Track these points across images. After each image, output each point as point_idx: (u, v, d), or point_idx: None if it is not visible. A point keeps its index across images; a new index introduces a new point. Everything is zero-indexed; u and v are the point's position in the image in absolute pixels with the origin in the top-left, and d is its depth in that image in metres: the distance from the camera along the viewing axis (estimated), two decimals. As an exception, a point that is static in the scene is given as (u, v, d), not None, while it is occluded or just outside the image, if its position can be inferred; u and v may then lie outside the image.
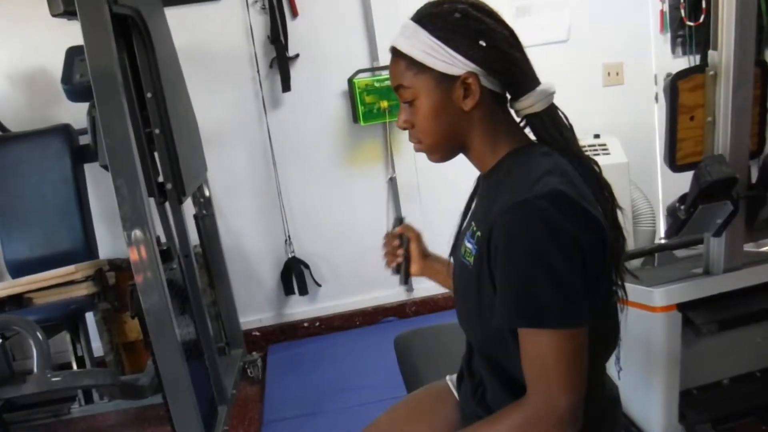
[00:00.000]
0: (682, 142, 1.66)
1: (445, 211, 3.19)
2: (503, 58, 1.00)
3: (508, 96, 1.05)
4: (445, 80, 1.00)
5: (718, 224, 1.69)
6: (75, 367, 2.61)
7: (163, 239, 2.25)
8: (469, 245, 1.04)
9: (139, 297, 1.87)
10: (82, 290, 2.38)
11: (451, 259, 1.20)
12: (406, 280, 1.43)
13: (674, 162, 1.69)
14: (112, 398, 2.57)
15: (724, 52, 1.57)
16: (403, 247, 1.41)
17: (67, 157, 2.62)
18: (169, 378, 1.95)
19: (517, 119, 1.08)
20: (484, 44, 0.98)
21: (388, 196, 3.18)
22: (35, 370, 1.79)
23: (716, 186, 1.58)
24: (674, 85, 1.60)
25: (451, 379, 1.34)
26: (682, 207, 1.66)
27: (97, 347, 2.79)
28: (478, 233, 1.01)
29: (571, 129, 1.06)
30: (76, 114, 2.62)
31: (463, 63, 0.98)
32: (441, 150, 1.07)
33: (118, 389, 2.06)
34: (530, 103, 1.02)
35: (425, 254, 1.42)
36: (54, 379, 1.77)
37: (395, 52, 1.05)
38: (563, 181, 0.94)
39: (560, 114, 1.05)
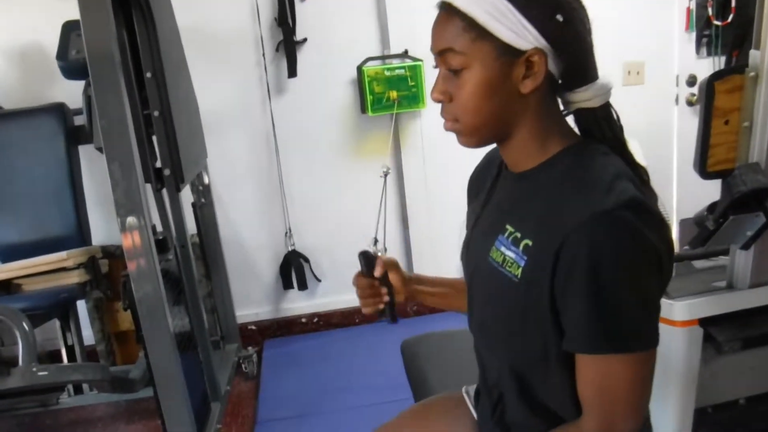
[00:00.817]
0: (714, 148, 1.56)
1: (453, 209, 3.15)
2: (577, 40, 0.87)
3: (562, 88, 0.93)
4: (507, 53, 0.86)
5: (748, 237, 1.59)
6: (65, 356, 2.52)
7: (159, 228, 2.16)
8: (510, 254, 0.91)
9: (132, 287, 1.79)
10: (74, 278, 2.28)
11: (462, 263, 1.10)
12: (395, 319, 1.19)
13: (705, 168, 1.59)
14: (102, 392, 2.48)
15: (767, 53, 1.46)
16: (383, 286, 1.17)
17: (61, 138, 2.51)
18: (160, 372, 1.87)
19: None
20: (561, 19, 0.84)
21: (395, 191, 3.08)
22: (20, 362, 1.69)
23: (750, 196, 1.48)
24: (710, 86, 1.50)
25: (467, 392, 1.24)
26: (711, 216, 1.56)
27: (88, 335, 2.69)
28: (527, 242, 0.89)
29: (622, 130, 0.94)
30: (72, 93, 2.52)
31: (534, 37, 0.85)
32: (480, 134, 0.93)
33: (107, 383, 1.97)
34: (588, 97, 0.90)
35: (406, 279, 1.20)
36: (40, 373, 1.68)
37: (449, 8, 0.87)
38: (635, 186, 0.84)
39: (614, 113, 0.94)
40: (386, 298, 1.17)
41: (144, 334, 1.82)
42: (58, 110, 2.57)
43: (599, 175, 0.85)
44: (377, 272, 1.15)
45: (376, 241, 1.26)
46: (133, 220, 1.76)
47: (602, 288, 0.80)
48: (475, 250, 1.05)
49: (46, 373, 1.70)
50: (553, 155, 0.92)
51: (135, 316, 1.80)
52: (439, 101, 0.94)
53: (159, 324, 1.83)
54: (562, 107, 0.95)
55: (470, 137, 0.94)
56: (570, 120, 0.97)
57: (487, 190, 1.07)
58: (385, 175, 1.56)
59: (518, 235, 0.91)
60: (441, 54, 0.90)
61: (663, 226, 0.84)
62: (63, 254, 2.25)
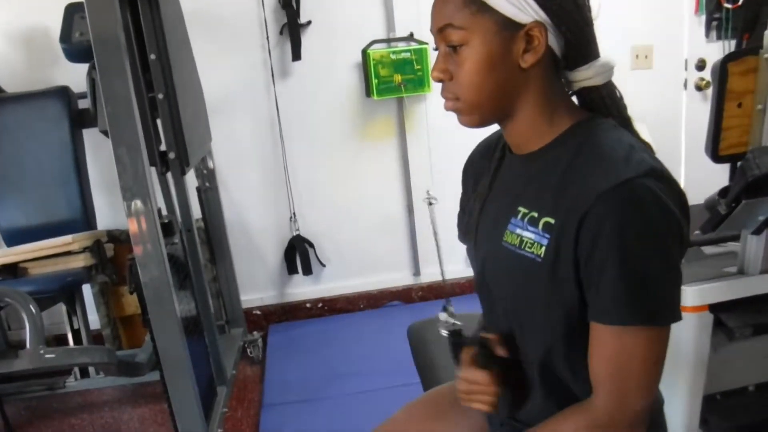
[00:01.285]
0: (727, 131, 1.54)
1: (458, 192, 3.12)
2: (577, 16, 0.87)
3: (565, 67, 0.92)
4: (507, 27, 0.85)
5: (760, 222, 1.57)
6: (71, 340, 2.52)
7: (164, 212, 2.15)
8: (529, 235, 0.90)
9: (138, 271, 1.78)
10: (79, 262, 2.27)
11: (474, 251, 1.07)
12: (517, 408, 0.99)
13: (716, 152, 1.57)
14: (108, 375, 2.48)
15: (783, 34, 1.43)
16: (493, 369, 0.94)
17: (66, 122, 2.49)
18: (167, 355, 1.87)
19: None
20: None
21: (400, 176, 3.06)
22: (28, 345, 1.69)
23: (763, 180, 1.46)
24: (724, 68, 1.47)
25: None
26: (723, 201, 1.54)
27: (94, 320, 2.69)
28: (547, 220, 0.87)
29: (626, 108, 0.93)
30: (76, 76, 2.50)
31: (534, 10, 0.84)
32: (482, 111, 0.91)
33: (114, 366, 1.97)
34: (590, 75, 0.90)
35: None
36: (48, 355, 1.68)
37: None
38: (651, 157, 0.84)
39: (617, 91, 0.93)
40: (500, 391, 0.96)
41: (150, 318, 1.82)
42: (62, 93, 2.55)
43: (615, 147, 0.84)
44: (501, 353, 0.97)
45: (447, 304, 1.08)
46: (139, 203, 1.75)
47: (630, 256, 0.80)
48: (485, 237, 1.02)
49: (53, 355, 1.70)
50: (562, 132, 0.91)
51: (141, 299, 1.80)
52: (439, 80, 0.93)
53: (165, 307, 1.83)
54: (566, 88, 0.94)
55: (471, 116, 0.93)
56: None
57: (490, 175, 1.04)
58: (429, 203, 1.42)
59: (535, 214, 0.90)
60: (441, 31, 0.89)
61: (682, 195, 0.84)
62: (69, 238, 2.24)
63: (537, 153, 0.93)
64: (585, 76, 0.90)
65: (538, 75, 0.89)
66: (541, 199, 0.90)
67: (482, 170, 1.07)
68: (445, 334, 1.09)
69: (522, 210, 0.92)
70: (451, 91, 0.92)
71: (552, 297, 0.88)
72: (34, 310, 1.69)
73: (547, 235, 0.87)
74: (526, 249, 0.90)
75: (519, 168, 0.98)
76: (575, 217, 0.82)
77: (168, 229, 1.99)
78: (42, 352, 1.67)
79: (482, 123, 0.94)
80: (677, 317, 0.83)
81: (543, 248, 0.87)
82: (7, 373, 1.63)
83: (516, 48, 0.86)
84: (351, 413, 2.34)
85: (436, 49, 0.93)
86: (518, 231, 0.92)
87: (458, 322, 1.11)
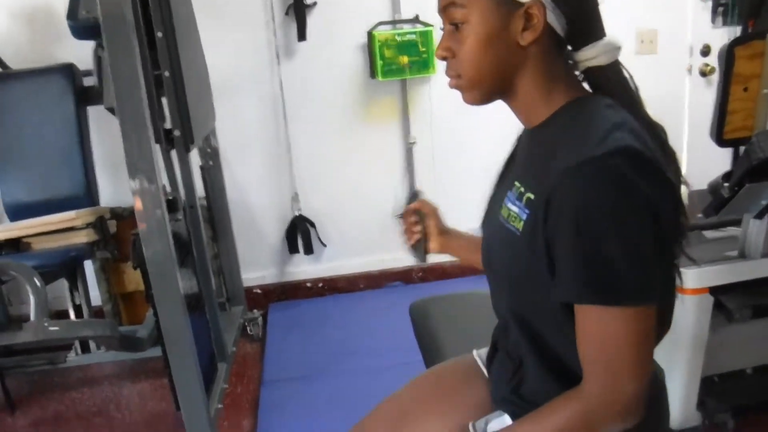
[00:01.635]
0: (732, 115, 1.55)
1: (461, 175, 3.16)
2: None
3: (569, 47, 0.93)
4: (505, 5, 0.87)
5: (763, 206, 1.59)
6: (72, 315, 2.53)
7: (168, 189, 2.16)
8: (514, 209, 0.93)
9: (142, 247, 1.79)
10: (82, 237, 2.28)
11: (482, 229, 1.10)
12: (424, 258, 1.36)
13: (721, 136, 1.58)
14: (110, 349, 2.50)
15: (790, 19, 1.44)
16: (420, 224, 1.33)
17: (70, 98, 2.49)
18: (170, 330, 1.87)
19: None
20: None
21: (403, 157, 3.06)
22: (32, 317, 1.70)
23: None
24: (731, 52, 1.48)
25: (479, 355, 1.24)
26: (726, 184, 1.55)
27: (95, 296, 2.71)
28: (529, 195, 0.90)
29: (636, 89, 0.94)
30: (81, 53, 2.49)
31: None
32: (482, 87, 0.93)
33: (116, 341, 1.98)
34: (594, 54, 0.90)
35: (444, 230, 1.34)
36: (51, 328, 1.69)
37: None
38: (634, 137, 0.83)
39: (625, 71, 0.94)
40: (418, 236, 1.32)
41: (153, 293, 1.83)
42: (67, 70, 2.54)
43: (598, 125, 0.85)
44: (412, 205, 1.33)
45: (417, 194, 1.41)
46: (144, 180, 1.75)
47: (585, 235, 0.80)
48: (491, 209, 1.06)
49: (57, 328, 1.71)
50: (557, 109, 0.93)
51: (144, 275, 1.81)
52: (443, 58, 0.95)
53: (169, 283, 1.83)
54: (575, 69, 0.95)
55: (472, 90, 0.95)
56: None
57: (512, 150, 1.08)
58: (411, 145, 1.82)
59: (522, 189, 0.92)
60: (444, 9, 0.91)
61: (661, 176, 0.83)
62: (72, 213, 2.25)
63: (536, 129, 0.96)
64: (589, 55, 0.91)
65: (538, 53, 0.90)
66: (528, 174, 0.93)
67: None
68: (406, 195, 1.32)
69: (516, 185, 0.95)
70: (454, 69, 0.94)
71: (533, 272, 0.89)
72: (38, 284, 1.70)
73: (527, 210, 0.90)
74: (511, 222, 0.93)
75: (525, 143, 1.02)
76: (545, 193, 0.84)
77: (172, 205, 1.99)
78: (46, 324, 1.69)
79: (483, 100, 0.96)
80: (648, 299, 0.82)
81: (522, 222, 0.90)
82: (11, 345, 1.64)
83: (514, 26, 0.88)
84: (352, 390, 2.36)
85: (442, 29, 0.95)
86: (509, 205, 0.95)
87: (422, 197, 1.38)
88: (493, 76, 0.92)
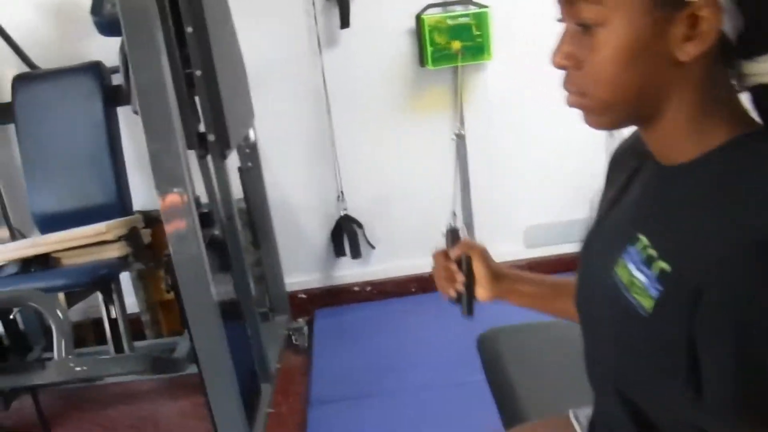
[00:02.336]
0: None
1: (518, 171, 2.91)
2: None
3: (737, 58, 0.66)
4: (664, 4, 0.61)
5: None
6: (107, 328, 2.38)
7: (203, 198, 1.99)
8: (641, 277, 0.68)
9: (175, 270, 1.62)
10: (114, 251, 2.11)
11: (582, 268, 0.86)
12: (470, 310, 1.05)
13: None
14: (145, 374, 2.36)
15: None
16: (463, 271, 1.03)
17: (99, 99, 2.32)
18: (206, 356, 1.72)
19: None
20: None
21: (454, 152, 2.82)
22: (56, 355, 1.54)
23: None
24: None
25: (576, 416, 1.01)
26: None
27: (132, 303, 2.57)
28: (663, 265, 0.65)
29: None
30: (109, 50, 2.32)
31: None
32: (616, 112, 0.69)
33: (150, 368, 1.82)
34: None
35: (498, 273, 1.04)
36: (78, 368, 1.53)
37: None
38: None
39: None
40: (459, 287, 1.04)
41: (188, 318, 1.67)
42: (95, 69, 2.37)
43: (766, 186, 0.60)
44: (452, 254, 1.04)
45: (456, 231, 1.08)
46: (175, 194, 1.57)
47: (756, 346, 0.57)
48: (596, 254, 0.82)
49: (84, 367, 1.55)
50: (712, 149, 0.66)
51: (180, 300, 1.64)
52: (562, 67, 0.70)
53: (204, 309, 1.69)
54: (734, 82, 0.68)
55: (601, 116, 0.70)
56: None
57: (625, 177, 0.82)
58: (458, 137, 1.38)
59: (653, 253, 0.67)
60: (571, 2, 0.66)
61: None
62: (102, 226, 2.08)
63: (678, 169, 0.69)
64: (766, 69, 0.63)
65: (699, 71, 0.64)
66: (664, 235, 0.68)
67: (623, 168, 0.85)
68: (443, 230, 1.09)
69: (642, 239, 0.70)
70: (577, 84, 0.69)
71: (659, 364, 0.66)
72: (61, 315, 1.54)
73: (659, 287, 0.65)
74: (634, 294, 0.68)
75: (655, 181, 0.74)
76: (693, 279, 0.61)
77: (207, 219, 1.82)
78: (72, 364, 1.53)
79: (613, 126, 0.71)
80: None
81: (652, 302, 0.66)
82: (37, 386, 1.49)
83: (673, 34, 0.62)
84: (406, 412, 2.17)
85: (560, 20, 0.70)
86: (631, 267, 0.70)
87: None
88: (633, 99, 0.67)
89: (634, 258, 0.70)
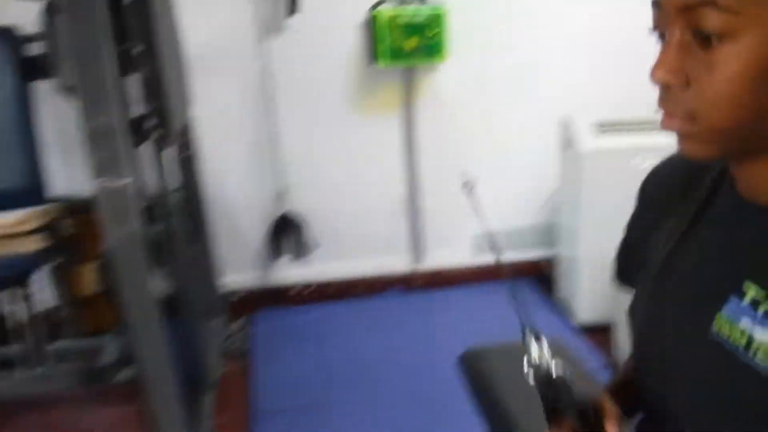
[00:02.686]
0: None
1: (467, 176, 2.79)
2: None
3: None
4: None
5: None
6: (28, 326, 2.11)
7: (141, 187, 1.79)
8: (764, 336, 0.58)
9: (111, 268, 1.44)
10: (30, 244, 1.87)
11: (631, 318, 0.76)
12: None
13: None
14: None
15: None
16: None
17: (8, 71, 2.03)
18: (146, 360, 1.56)
19: None
20: None
21: (404, 152, 2.72)
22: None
23: None
24: None
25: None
26: None
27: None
28: None
29: None
30: (22, 15, 2.02)
31: None
32: (727, 140, 0.58)
33: (76, 381, 1.62)
34: None
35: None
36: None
37: None
38: None
39: None
40: None
41: (127, 317, 1.49)
42: (5, 36, 2.06)
43: None
44: (580, 406, 0.73)
45: (532, 329, 0.74)
46: (113, 185, 1.39)
47: None
48: (672, 307, 0.69)
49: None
50: None
51: (112, 295, 1.46)
52: (667, 84, 0.57)
53: (144, 307, 1.50)
54: None
55: (708, 144, 0.59)
56: None
57: (693, 212, 0.70)
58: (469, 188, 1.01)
59: None
60: (689, 9, 0.54)
61: None
62: (15, 216, 1.83)
63: None
64: None
65: None
66: None
67: (674, 200, 0.73)
68: (531, 383, 0.75)
69: (754, 289, 0.60)
70: (685, 104, 0.57)
71: None
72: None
73: None
74: (759, 358, 0.58)
75: (756, 221, 0.63)
76: None
77: (147, 212, 1.63)
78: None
79: (716, 156, 0.61)
80: None
81: None
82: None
83: None
84: (360, 424, 2.06)
85: (655, 28, 0.59)
86: (745, 322, 0.59)
87: (549, 359, 0.75)
88: (752, 128, 0.56)
89: (746, 312, 0.60)
